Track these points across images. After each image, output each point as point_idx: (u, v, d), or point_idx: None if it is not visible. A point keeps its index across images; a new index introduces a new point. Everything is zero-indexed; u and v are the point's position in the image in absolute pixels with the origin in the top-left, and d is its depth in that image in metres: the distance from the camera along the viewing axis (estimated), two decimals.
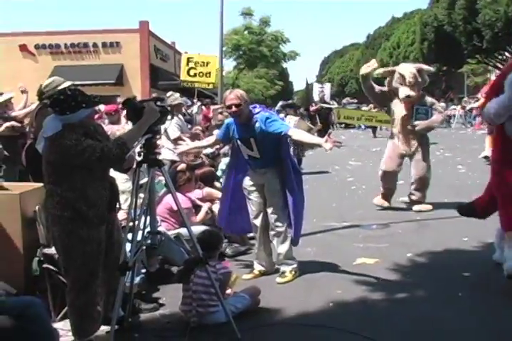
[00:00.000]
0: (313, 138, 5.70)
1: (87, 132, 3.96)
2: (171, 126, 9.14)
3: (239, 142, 5.70)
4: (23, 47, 27.37)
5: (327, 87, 37.21)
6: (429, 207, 8.75)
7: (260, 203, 5.80)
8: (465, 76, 53.04)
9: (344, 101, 29.67)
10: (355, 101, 34.15)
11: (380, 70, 9.06)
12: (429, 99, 9.00)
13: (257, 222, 5.86)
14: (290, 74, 74.23)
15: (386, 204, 8.99)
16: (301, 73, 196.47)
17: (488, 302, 4.81)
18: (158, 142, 8.67)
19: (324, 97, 26.77)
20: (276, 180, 5.66)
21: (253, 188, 5.79)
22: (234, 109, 5.46)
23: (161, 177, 6.04)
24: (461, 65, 43.16)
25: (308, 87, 29.36)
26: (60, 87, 5.73)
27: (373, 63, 8.88)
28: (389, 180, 8.97)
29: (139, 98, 5.02)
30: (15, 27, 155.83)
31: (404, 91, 8.60)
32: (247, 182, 5.83)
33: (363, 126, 36.02)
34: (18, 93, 8.88)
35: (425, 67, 9.07)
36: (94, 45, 27.51)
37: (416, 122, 8.61)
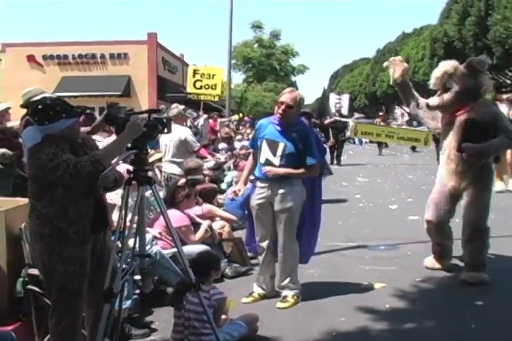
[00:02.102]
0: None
1: (73, 145, 3.70)
2: (190, 137, 8.88)
3: (264, 142, 5.38)
4: (30, 58, 27.30)
5: (345, 98, 35.36)
6: (483, 276, 5.88)
7: (269, 223, 5.46)
8: None
9: (355, 116, 28.68)
10: (363, 115, 33.36)
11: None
12: (494, 111, 6.02)
13: (265, 244, 5.53)
14: (299, 87, 74.12)
15: (438, 266, 6.38)
16: (311, 87, 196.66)
17: (505, 338, 4.45)
18: (157, 156, 8.51)
19: (341, 110, 25.44)
20: (289, 196, 5.30)
21: (262, 206, 5.42)
22: (283, 107, 5.22)
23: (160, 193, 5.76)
24: None
25: (325, 97, 28.19)
26: (35, 98, 5.46)
27: (395, 60, 6.52)
28: (438, 232, 6.30)
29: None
30: (23, 37, 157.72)
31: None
32: (255, 200, 5.48)
33: (357, 141, 35.26)
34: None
35: (476, 60, 6.03)
36: (102, 56, 27.41)
37: (464, 144, 5.75)
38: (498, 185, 12.38)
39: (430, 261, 6.44)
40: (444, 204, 6.09)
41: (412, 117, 30.69)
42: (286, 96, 5.27)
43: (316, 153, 5.37)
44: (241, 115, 25.65)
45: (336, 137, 19.72)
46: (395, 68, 6.45)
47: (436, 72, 6.05)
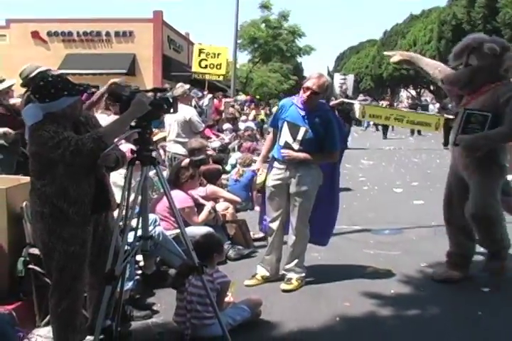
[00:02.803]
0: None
1: (75, 123, 3.61)
2: (195, 117, 8.76)
3: (285, 124, 5.25)
4: (35, 34, 27.05)
5: (350, 78, 34.68)
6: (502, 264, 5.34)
7: (281, 204, 5.39)
8: None
9: (359, 98, 28.10)
10: (367, 97, 32.67)
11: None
12: (509, 94, 4.99)
13: (275, 225, 5.46)
14: (305, 69, 73.53)
15: (448, 276, 5.44)
16: (316, 68, 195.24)
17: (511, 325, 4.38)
18: (161, 135, 8.39)
19: (347, 91, 24.75)
20: (305, 179, 5.21)
21: (277, 187, 5.34)
22: (308, 93, 5.09)
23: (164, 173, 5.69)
24: None
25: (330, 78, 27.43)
26: (32, 75, 5.41)
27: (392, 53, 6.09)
28: (454, 222, 5.54)
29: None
30: (27, 13, 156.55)
31: None
32: (271, 180, 5.40)
33: (365, 124, 34.76)
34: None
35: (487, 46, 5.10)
36: (107, 33, 27.15)
37: (458, 137, 5.23)
38: None
39: (439, 269, 5.62)
40: (457, 188, 5.46)
41: (414, 102, 30.29)
42: (312, 81, 5.11)
43: (337, 140, 5.27)
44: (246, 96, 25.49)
45: (342, 119, 19.33)
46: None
47: (457, 46, 5.39)
